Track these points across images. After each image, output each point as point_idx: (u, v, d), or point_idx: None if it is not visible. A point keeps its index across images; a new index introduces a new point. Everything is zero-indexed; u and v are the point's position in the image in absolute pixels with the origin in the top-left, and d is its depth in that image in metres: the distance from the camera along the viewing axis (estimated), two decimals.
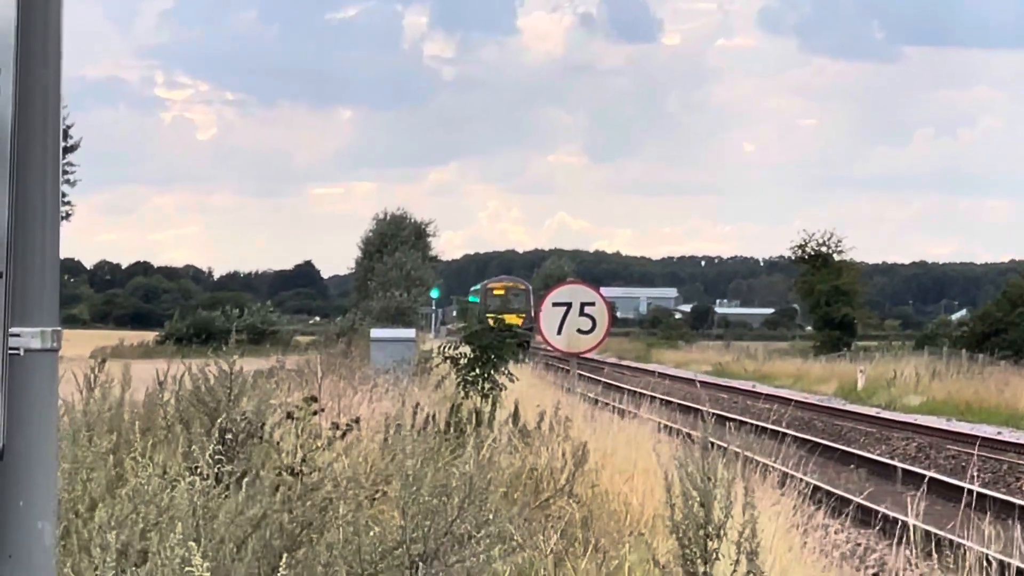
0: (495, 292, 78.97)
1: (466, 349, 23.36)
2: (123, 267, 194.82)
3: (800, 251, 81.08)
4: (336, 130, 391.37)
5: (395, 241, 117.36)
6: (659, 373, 63.94)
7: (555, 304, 26.29)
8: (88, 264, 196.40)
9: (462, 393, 22.62)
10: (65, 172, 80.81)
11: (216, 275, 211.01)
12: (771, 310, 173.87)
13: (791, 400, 44.56)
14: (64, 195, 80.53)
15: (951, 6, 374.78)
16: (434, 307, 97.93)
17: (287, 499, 7.00)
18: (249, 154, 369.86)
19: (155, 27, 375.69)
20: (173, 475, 7.63)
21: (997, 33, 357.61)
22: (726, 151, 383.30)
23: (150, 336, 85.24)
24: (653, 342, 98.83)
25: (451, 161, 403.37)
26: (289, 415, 11.46)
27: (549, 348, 30.22)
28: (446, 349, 24.20)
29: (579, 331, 26.19)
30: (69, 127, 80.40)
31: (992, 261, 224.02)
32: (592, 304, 26.39)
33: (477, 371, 23.02)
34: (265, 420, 10.89)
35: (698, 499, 6.50)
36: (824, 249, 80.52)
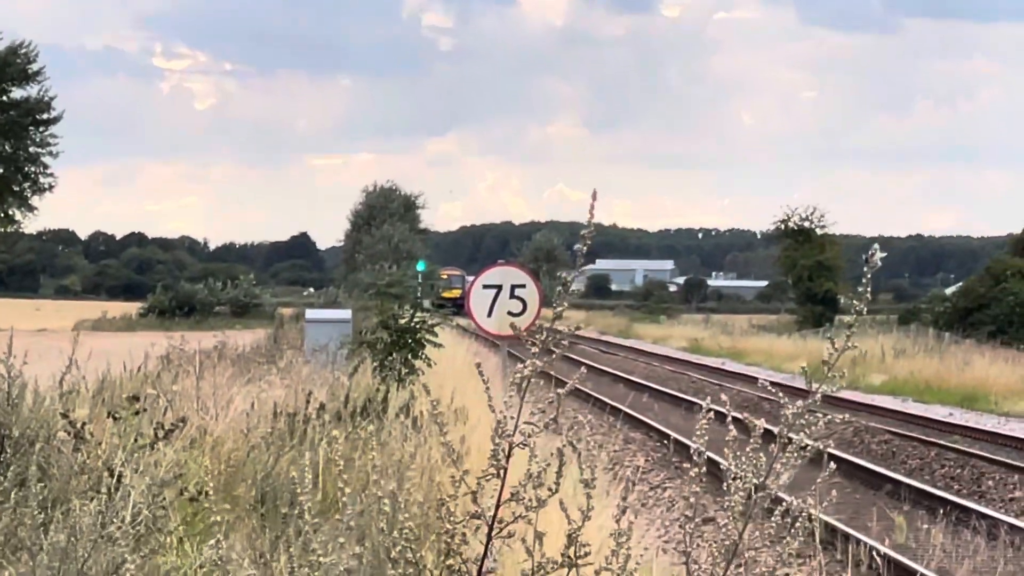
0: (442, 276, 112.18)
1: (383, 334, 23.09)
2: (118, 238, 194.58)
3: (783, 225, 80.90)
4: (334, 100, 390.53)
5: (384, 213, 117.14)
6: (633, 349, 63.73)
7: (485, 286, 25.98)
8: (82, 235, 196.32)
9: (378, 379, 22.36)
10: (47, 144, 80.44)
11: (212, 246, 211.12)
12: (765, 283, 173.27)
13: (750, 377, 44.45)
14: (46, 167, 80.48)
15: None
16: (420, 280, 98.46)
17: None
18: (247, 124, 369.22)
19: None
20: None
21: (994, 6, 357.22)
22: (725, 123, 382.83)
23: (134, 308, 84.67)
24: (637, 316, 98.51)
25: (449, 131, 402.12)
26: (110, 415, 11.36)
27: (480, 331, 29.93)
28: (366, 333, 23.99)
29: (509, 313, 25.89)
30: (51, 99, 79.99)
31: (989, 235, 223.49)
32: (523, 286, 26.08)
33: (393, 356, 22.82)
34: (85, 421, 10.77)
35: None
36: (807, 224, 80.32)
